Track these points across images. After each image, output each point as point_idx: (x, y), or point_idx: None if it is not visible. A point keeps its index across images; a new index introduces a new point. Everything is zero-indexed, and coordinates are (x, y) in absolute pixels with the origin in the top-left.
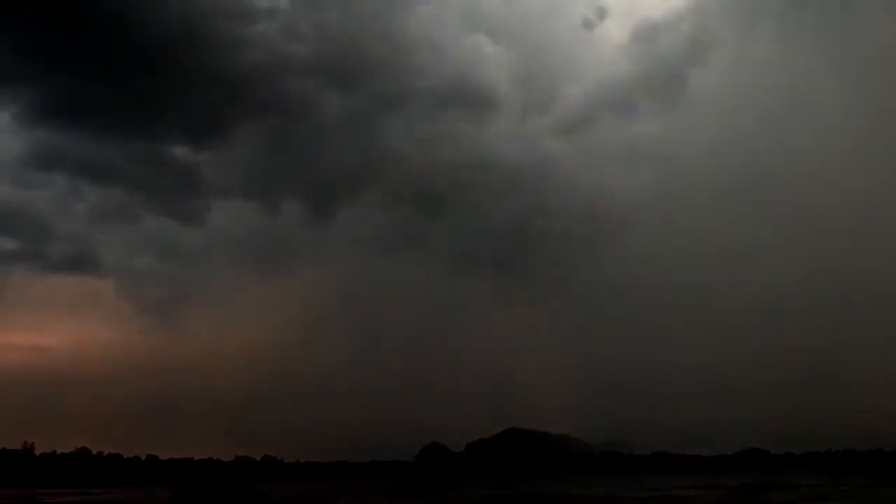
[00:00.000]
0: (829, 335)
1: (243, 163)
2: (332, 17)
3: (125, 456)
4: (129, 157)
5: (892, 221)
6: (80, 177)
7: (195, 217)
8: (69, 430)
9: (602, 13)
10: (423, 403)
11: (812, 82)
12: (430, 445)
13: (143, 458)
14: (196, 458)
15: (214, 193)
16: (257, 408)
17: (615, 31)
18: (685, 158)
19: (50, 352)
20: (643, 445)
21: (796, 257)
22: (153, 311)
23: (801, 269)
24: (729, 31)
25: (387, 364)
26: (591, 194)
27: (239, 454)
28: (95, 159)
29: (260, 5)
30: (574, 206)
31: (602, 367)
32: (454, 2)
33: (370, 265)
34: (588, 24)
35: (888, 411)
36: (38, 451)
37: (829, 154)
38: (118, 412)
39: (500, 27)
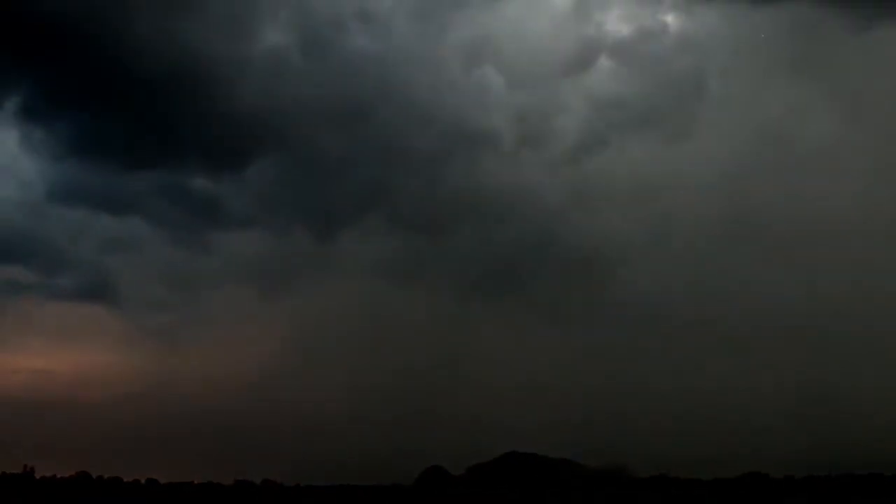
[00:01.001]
0: (831, 359)
1: (253, 193)
2: (334, 59)
3: (125, 480)
4: (143, 188)
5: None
6: (95, 207)
7: (204, 244)
8: (69, 454)
9: (596, 45)
10: (424, 426)
11: (806, 115)
12: (430, 469)
13: (142, 481)
14: (196, 482)
15: (225, 222)
16: (257, 432)
17: (608, 63)
18: (682, 191)
19: (53, 375)
20: (642, 469)
21: (794, 283)
22: (157, 337)
23: (799, 293)
24: (728, 63)
25: (387, 387)
26: (593, 223)
27: (238, 478)
28: (109, 190)
29: (261, 48)
30: (578, 234)
31: (601, 392)
32: (455, 36)
33: (372, 290)
34: (581, 59)
35: (889, 435)
36: (37, 475)
37: (824, 181)
38: (119, 436)
39: (501, 60)
